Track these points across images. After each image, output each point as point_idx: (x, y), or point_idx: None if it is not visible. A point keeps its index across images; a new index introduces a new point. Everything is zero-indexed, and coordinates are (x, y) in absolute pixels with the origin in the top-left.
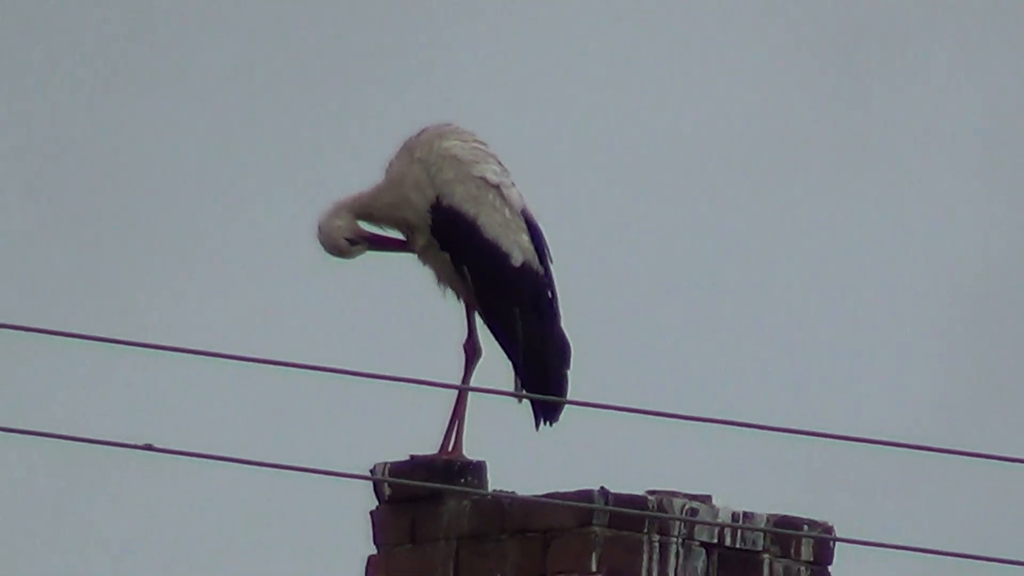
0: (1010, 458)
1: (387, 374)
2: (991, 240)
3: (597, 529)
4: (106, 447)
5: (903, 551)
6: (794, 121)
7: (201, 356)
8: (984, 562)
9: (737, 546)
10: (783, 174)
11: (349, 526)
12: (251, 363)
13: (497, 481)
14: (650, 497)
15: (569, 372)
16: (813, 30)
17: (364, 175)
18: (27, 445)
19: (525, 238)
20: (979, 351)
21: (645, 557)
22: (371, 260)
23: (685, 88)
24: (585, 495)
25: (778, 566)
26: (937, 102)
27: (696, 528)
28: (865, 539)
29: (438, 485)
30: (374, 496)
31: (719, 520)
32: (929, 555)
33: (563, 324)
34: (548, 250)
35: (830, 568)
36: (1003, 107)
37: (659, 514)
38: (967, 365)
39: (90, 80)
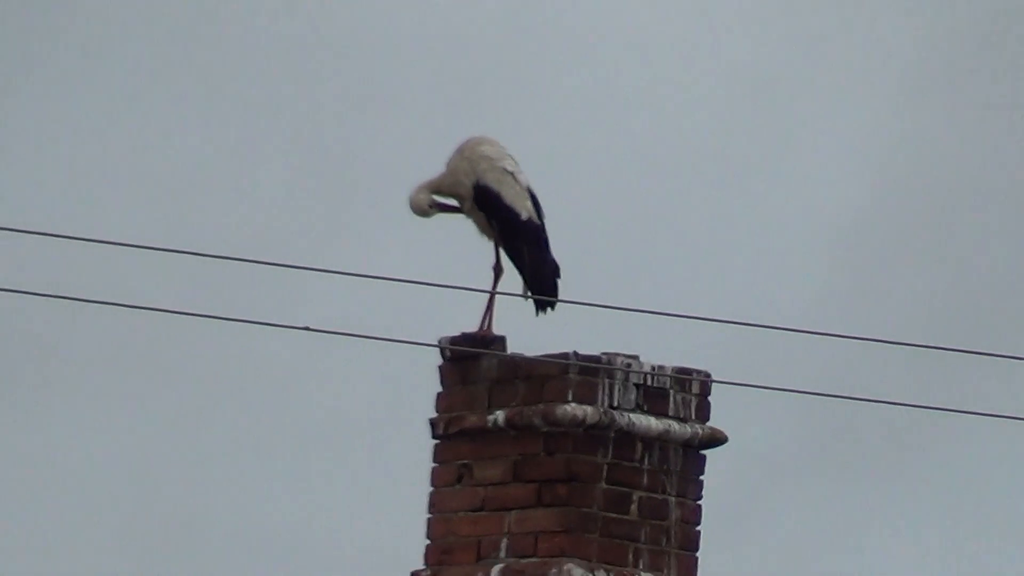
0: (839, 335)
1: (452, 284)
2: (855, 187)
3: (571, 375)
4: (274, 327)
5: (753, 387)
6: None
7: (342, 275)
8: (799, 393)
9: (654, 385)
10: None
11: (428, 376)
12: (372, 278)
13: (513, 347)
14: (603, 356)
15: (559, 281)
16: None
17: (433, 166)
18: (223, 328)
19: (529, 204)
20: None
21: (600, 392)
22: (441, 219)
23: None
24: (564, 355)
25: (678, 397)
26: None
27: (630, 375)
28: (735, 381)
29: (478, 350)
30: (440, 357)
31: (644, 370)
32: (769, 391)
33: (553, 252)
34: (542, 210)
35: (709, 398)
36: (862, 111)
37: (608, 366)
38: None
39: None
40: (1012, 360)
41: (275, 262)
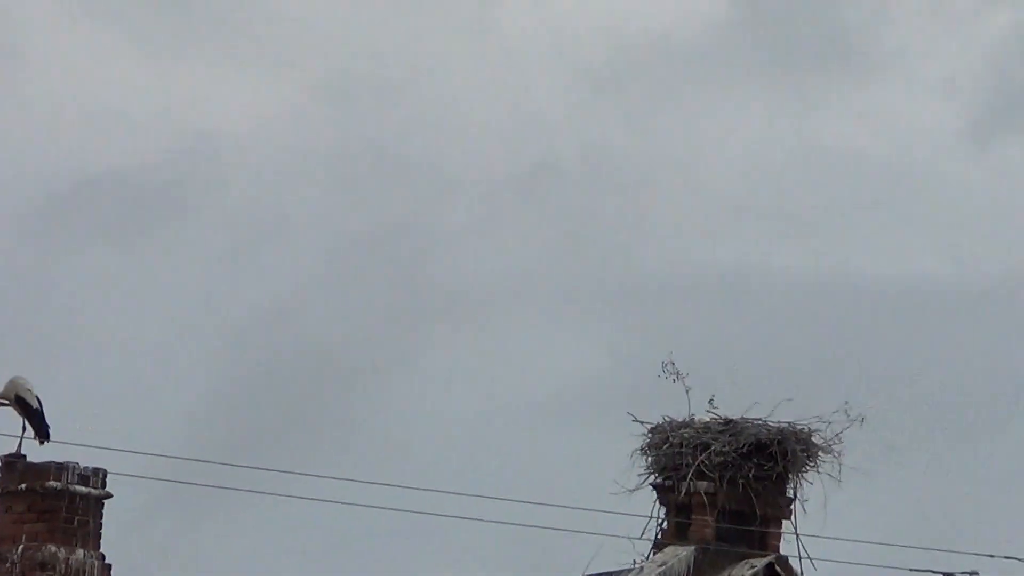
0: None
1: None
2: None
3: (52, 470)
4: None
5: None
6: None
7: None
8: None
9: (85, 474)
10: None
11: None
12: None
13: (31, 458)
14: (68, 462)
15: (50, 431)
16: None
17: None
18: None
19: (36, 402)
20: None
21: (64, 476)
22: (4, 410)
23: None
24: (49, 463)
25: (96, 481)
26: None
27: (74, 470)
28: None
29: (17, 459)
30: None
31: (81, 468)
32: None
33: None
34: (42, 404)
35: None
36: None
37: (67, 465)
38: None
39: None
40: None
41: None
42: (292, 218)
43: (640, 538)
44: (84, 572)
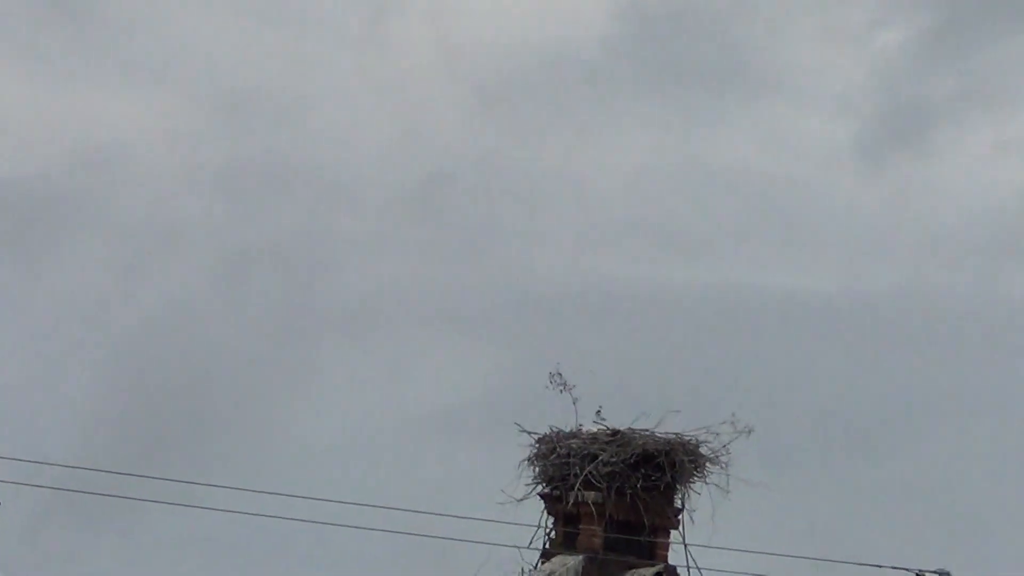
0: None
1: None
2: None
3: None
4: None
5: None
6: None
7: None
8: None
9: None
10: None
11: None
12: None
13: None
14: None
15: None
16: None
17: None
18: None
19: None
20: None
21: None
22: None
23: None
24: None
25: None
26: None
27: None
28: None
29: None
30: None
31: None
32: None
33: None
34: None
35: None
36: None
37: None
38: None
39: None
40: None
41: None
42: (183, 230)
43: (528, 547)
44: None
